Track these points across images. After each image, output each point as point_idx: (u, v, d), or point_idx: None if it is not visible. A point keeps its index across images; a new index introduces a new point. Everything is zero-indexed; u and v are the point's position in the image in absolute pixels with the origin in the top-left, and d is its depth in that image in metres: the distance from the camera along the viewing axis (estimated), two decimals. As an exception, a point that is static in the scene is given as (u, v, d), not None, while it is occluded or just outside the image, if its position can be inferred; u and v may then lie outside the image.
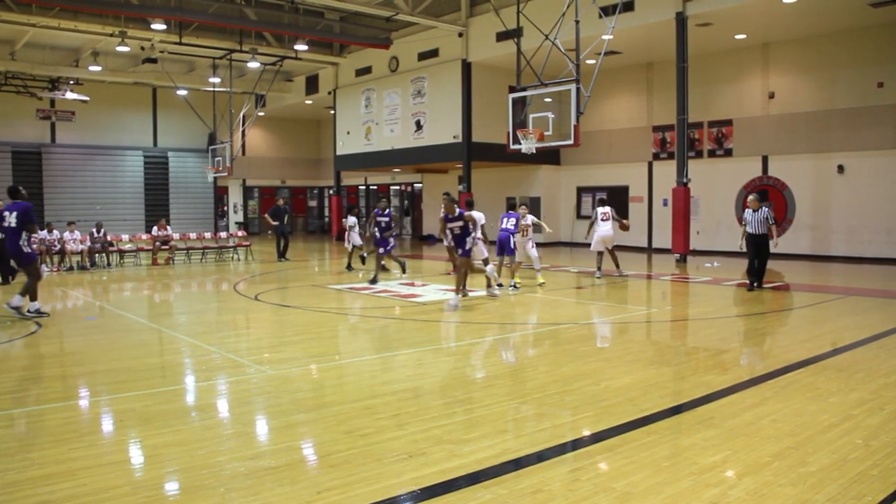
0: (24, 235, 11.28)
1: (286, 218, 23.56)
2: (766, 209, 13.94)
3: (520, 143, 19.91)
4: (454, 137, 26.36)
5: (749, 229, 14.06)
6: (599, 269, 16.82)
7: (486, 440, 5.36)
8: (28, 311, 11.25)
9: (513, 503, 4.19)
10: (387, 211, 16.77)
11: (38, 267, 11.68)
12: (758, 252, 14.02)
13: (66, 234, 20.66)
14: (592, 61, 19.92)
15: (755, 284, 14.20)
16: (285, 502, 4.24)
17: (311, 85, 34.24)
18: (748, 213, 14.11)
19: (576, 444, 5.35)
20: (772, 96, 22.50)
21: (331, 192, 35.87)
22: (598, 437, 5.44)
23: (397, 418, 5.93)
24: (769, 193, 22.11)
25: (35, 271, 11.50)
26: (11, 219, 11.23)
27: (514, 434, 5.64)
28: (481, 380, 7.49)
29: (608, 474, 4.68)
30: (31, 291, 11.33)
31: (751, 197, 14.40)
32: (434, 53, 27.30)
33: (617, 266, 17.07)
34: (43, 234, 20.33)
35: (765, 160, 22.57)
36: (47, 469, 4.86)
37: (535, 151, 19.81)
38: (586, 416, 6.00)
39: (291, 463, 4.97)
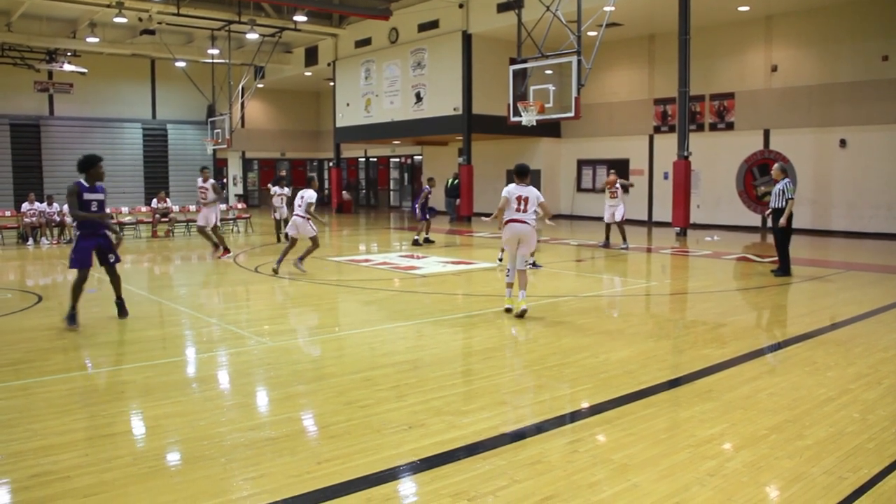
0: None
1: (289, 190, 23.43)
2: (784, 182, 12.23)
3: (520, 116, 19.86)
4: (454, 110, 26.24)
5: (771, 203, 12.53)
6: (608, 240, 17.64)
7: (485, 412, 5.39)
8: None
9: (511, 474, 4.22)
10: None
11: None
12: (774, 231, 12.58)
13: (66, 207, 20.61)
14: (594, 33, 19.77)
15: (780, 269, 12.49)
16: (285, 472, 4.27)
17: (311, 56, 34.03)
18: (771, 183, 12.84)
19: (574, 416, 5.38)
20: (774, 69, 22.36)
21: (330, 164, 35.78)
22: (596, 410, 5.47)
23: (397, 390, 5.96)
24: (770, 168, 22.04)
25: None
26: None
27: (513, 406, 5.67)
28: (480, 352, 7.52)
29: (606, 446, 4.71)
30: None
31: (774, 166, 12.81)
32: (434, 25, 27.10)
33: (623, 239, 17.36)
34: (42, 206, 20.31)
35: (766, 134, 22.48)
36: (50, 440, 4.89)
37: (535, 124, 19.78)
38: (585, 389, 6.03)
39: (291, 434, 5.00)
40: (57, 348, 7.84)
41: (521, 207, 9.17)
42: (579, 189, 28.24)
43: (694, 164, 20.72)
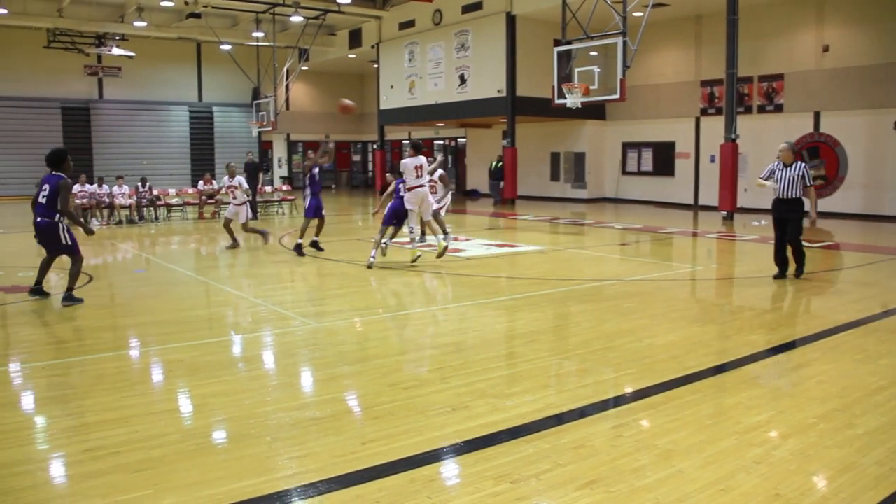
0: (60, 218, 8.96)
1: (260, 176, 22.60)
2: (803, 165, 10.07)
3: (565, 98, 19.73)
4: (498, 92, 26.09)
5: (777, 192, 10.19)
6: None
7: (529, 395, 5.38)
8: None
9: (555, 457, 4.21)
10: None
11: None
12: (783, 225, 10.20)
13: (115, 189, 20.99)
14: (639, 14, 19.49)
15: (797, 272, 10.33)
16: (330, 452, 4.31)
17: (355, 39, 34.07)
18: (777, 166, 10.21)
19: (618, 401, 5.35)
20: (826, 49, 21.80)
21: (374, 146, 35.87)
22: (640, 394, 5.43)
23: (440, 372, 5.98)
24: (820, 150, 21.58)
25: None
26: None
27: (557, 389, 5.65)
28: (524, 335, 7.50)
29: (650, 431, 4.68)
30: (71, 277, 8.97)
31: (783, 146, 10.27)
32: (478, 6, 26.93)
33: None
34: (93, 188, 20.70)
35: (817, 116, 21.97)
36: (101, 416, 5.00)
37: (580, 106, 19.62)
38: (629, 373, 5.99)
39: (336, 414, 5.05)
40: (107, 327, 8.01)
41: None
42: (624, 172, 27.94)
43: (741, 147, 20.36)
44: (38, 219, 8.85)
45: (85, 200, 20.31)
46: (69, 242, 8.90)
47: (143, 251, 14.93)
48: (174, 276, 11.61)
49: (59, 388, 5.74)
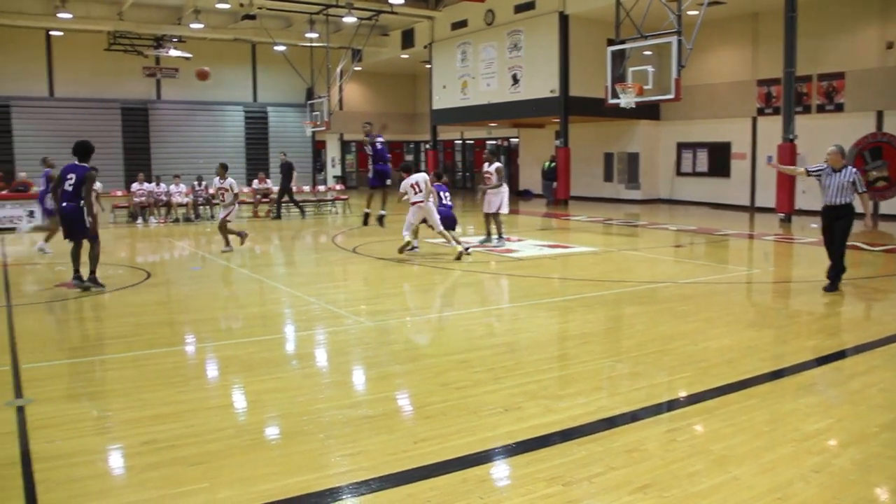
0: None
1: (292, 175, 22.47)
2: (853, 171, 9.23)
3: (618, 98, 19.55)
4: (551, 92, 25.95)
5: (824, 198, 9.44)
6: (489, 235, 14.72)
7: (582, 397, 5.34)
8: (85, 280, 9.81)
9: (607, 461, 4.18)
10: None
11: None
12: (832, 233, 9.50)
13: (172, 188, 21.41)
14: (694, 12, 19.19)
15: (831, 284, 9.57)
16: (383, 450, 4.34)
17: (407, 39, 34.21)
18: (826, 170, 9.40)
19: (672, 405, 5.28)
20: (890, 46, 21.18)
21: (427, 146, 35.97)
22: (695, 399, 5.35)
23: (493, 372, 5.97)
24: (884, 151, 21.00)
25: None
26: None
27: (610, 392, 5.60)
28: (577, 337, 7.45)
29: (705, 436, 4.61)
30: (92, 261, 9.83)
31: (831, 149, 9.38)
32: (531, 6, 26.81)
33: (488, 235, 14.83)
34: (151, 186, 21.13)
35: (879, 115, 21.37)
36: (158, 410, 5.11)
37: (634, 106, 19.41)
38: (683, 377, 5.90)
39: (388, 413, 5.08)
40: (164, 322, 8.18)
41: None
42: (679, 173, 27.56)
43: (800, 148, 19.92)
44: (65, 204, 9.47)
45: (143, 199, 20.74)
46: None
47: (199, 249, 15.20)
48: (229, 274, 11.80)
49: (120, 382, 5.89)
